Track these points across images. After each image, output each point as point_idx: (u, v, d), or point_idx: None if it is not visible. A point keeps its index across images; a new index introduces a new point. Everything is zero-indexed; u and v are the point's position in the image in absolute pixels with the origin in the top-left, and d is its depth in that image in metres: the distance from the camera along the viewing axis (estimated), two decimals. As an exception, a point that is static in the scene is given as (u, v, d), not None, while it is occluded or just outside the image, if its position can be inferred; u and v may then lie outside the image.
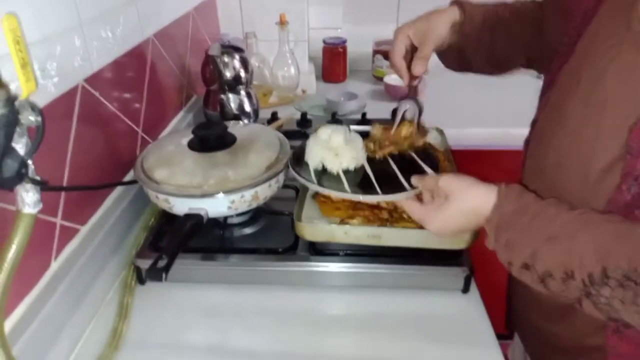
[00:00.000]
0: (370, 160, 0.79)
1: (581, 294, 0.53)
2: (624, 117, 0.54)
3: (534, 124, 0.74)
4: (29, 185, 0.53)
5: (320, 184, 0.74)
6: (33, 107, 0.51)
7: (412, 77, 0.80)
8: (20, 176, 0.50)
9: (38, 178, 0.55)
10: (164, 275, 0.62)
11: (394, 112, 0.87)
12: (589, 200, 0.57)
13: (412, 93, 0.83)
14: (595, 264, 0.50)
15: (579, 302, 0.54)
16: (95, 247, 0.77)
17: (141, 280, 0.80)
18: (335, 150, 0.78)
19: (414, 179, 0.70)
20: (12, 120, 0.48)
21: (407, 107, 0.82)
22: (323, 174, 0.77)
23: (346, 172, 0.77)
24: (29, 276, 0.63)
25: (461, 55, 0.83)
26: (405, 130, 0.81)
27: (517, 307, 0.83)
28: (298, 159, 0.81)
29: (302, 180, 0.76)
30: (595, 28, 0.64)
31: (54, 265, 0.68)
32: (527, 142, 0.75)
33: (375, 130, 0.84)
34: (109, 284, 0.79)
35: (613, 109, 0.56)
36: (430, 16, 0.79)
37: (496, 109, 1.42)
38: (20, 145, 0.51)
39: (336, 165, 0.77)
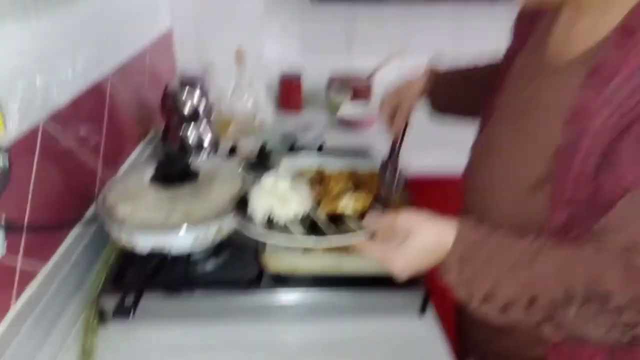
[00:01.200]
0: (317, 203, 0.79)
1: (542, 319, 0.56)
2: (545, 146, 0.61)
3: (470, 155, 0.82)
4: (-7, 230, 0.53)
5: (271, 232, 0.73)
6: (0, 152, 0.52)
7: (396, 134, 0.93)
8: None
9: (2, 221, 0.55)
10: (131, 313, 0.62)
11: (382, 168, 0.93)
12: (523, 223, 0.63)
13: (395, 153, 0.92)
14: (558, 287, 0.54)
15: (538, 326, 0.57)
16: (56, 288, 0.76)
17: (103, 320, 0.79)
18: (281, 198, 0.76)
19: (368, 219, 0.70)
20: (-21, 167, 0.49)
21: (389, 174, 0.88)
22: (271, 222, 0.76)
23: (295, 219, 0.75)
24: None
25: (439, 108, 0.99)
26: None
27: (466, 326, 0.88)
28: (240, 208, 0.78)
29: (252, 234, 0.73)
30: (519, 66, 0.74)
31: (13, 308, 0.67)
32: (465, 171, 0.83)
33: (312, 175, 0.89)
34: (70, 326, 0.78)
35: (536, 138, 0.64)
36: (406, 83, 0.98)
37: (440, 139, 1.51)
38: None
39: (284, 213, 0.75)
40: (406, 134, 0.95)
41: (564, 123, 0.59)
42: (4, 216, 0.55)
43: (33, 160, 0.72)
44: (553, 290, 0.54)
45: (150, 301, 0.78)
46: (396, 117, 0.95)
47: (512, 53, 0.78)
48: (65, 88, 0.83)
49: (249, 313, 0.81)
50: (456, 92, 0.94)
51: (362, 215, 0.74)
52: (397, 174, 0.82)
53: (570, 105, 0.59)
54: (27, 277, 0.70)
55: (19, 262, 0.68)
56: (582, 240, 0.57)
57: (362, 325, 0.81)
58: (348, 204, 0.77)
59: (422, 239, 0.62)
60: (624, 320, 0.52)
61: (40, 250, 0.75)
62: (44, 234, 0.75)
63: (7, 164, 0.51)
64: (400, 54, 1.83)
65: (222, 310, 0.81)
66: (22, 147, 0.69)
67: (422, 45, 1.84)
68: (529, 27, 0.75)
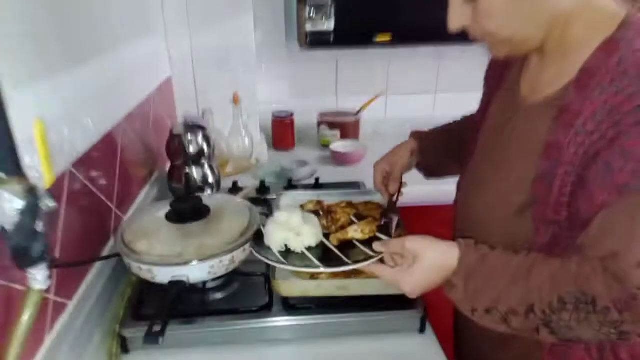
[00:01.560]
0: (326, 235, 0.87)
1: (539, 324, 0.64)
2: (524, 176, 0.70)
3: (459, 185, 0.91)
4: (41, 264, 0.60)
5: (287, 261, 0.80)
6: (49, 195, 0.59)
7: (391, 195, 1.00)
8: (43, 257, 0.57)
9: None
10: (160, 339, 0.68)
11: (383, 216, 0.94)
12: (512, 244, 0.72)
13: (391, 206, 0.98)
14: (552, 294, 0.62)
15: (536, 331, 0.65)
16: (83, 320, 0.81)
17: (125, 350, 0.84)
18: (295, 230, 0.85)
19: (378, 246, 0.77)
20: (36, 207, 0.56)
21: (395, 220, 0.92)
22: (287, 252, 0.84)
23: (308, 248, 0.84)
24: (25, 351, 0.67)
25: (430, 169, 1.07)
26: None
27: (465, 341, 0.95)
28: (257, 241, 0.87)
29: (272, 263, 0.81)
30: (496, 106, 0.84)
31: (48, 340, 0.72)
32: (456, 200, 0.92)
33: (313, 206, 0.97)
34: (95, 354, 0.83)
35: (517, 168, 0.73)
36: (395, 149, 1.04)
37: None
38: (39, 229, 0.58)
39: (299, 244, 0.83)
40: (401, 192, 1.02)
41: (539, 156, 0.68)
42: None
43: (62, 202, 0.79)
44: (548, 298, 0.63)
45: (167, 329, 0.83)
46: (390, 183, 1.01)
47: (488, 97, 0.88)
48: (86, 137, 0.91)
49: (262, 338, 0.87)
50: (443, 152, 1.02)
51: (369, 241, 0.82)
52: (395, 223, 0.89)
53: (543, 141, 0.68)
54: (59, 309, 0.76)
55: (52, 294, 0.74)
56: (567, 254, 0.65)
57: (367, 344, 0.88)
58: (357, 231, 0.85)
59: (429, 261, 0.70)
60: (611, 319, 0.60)
61: (68, 284, 0.81)
62: (69, 269, 0.81)
63: (54, 204, 0.59)
64: (384, 93, 1.97)
65: (236, 336, 0.87)
66: (54, 190, 0.76)
67: (404, 83, 1.98)
68: (502, 73, 0.86)
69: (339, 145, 1.72)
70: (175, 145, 1.24)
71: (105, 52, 1.03)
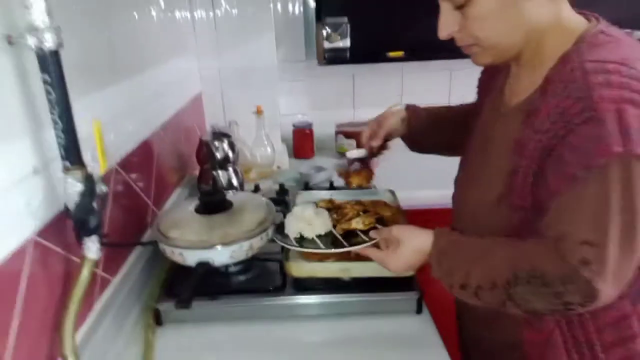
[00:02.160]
0: (334, 226, 1.03)
1: (504, 298, 0.74)
2: (501, 171, 0.81)
3: (455, 182, 1.02)
4: (94, 237, 0.74)
5: (301, 246, 0.98)
6: (102, 181, 0.74)
7: (372, 149, 1.11)
8: (97, 230, 0.72)
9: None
10: (189, 305, 0.82)
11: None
12: (494, 230, 0.82)
13: (369, 157, 1.11)
14: (508, 271, 0.73)
15: (504, 305, 0.75)
16: (125, 295, 0.96)
17: (159, 322, 0.98)
18: (308, 221, 1.01)
19: (373, 233, 0.94)
20: (93, 190, 0.71)
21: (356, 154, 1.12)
22: (302, 239, 1.00)
23: (319, 236, 1.00)
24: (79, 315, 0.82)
25: (415, 141, 1.15)
26: (357, 180, 1.08)
27: (464, 322, 1.04)
28: (279, 231, 1.04)
29: (291, 247, 0.98)
30: (485, 111, 0.95)
31: (95, 308, 0.87)
32: (453, 196, 1.03)
33: (325, 204, 1.11)
34: (135, 325, 0.97)
35: (496, 164, 0.83)
36: (387, 112, 1.13)
37: (440, 174, 1.72)
38: (94, 207, 0.72)
39: (311, 232, 1.00)
40: (382, 152, 1.14)
41: (511, 153, 0.79)
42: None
43: (109, 193, 0.95)
44: (505, 274, 0.73)
45: (195, 306, 0.97)
46: (374, 140, 1.10)
47: (481, 102, 1.00)
48: (128, 141, 1.07)
49: (275, 314, 1.00)
50: (430, 130, 1.12)
51: (367, 231, 0.97)
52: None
53: (514, 139, 0.79)
54: (104, 283, 0.91)
55: (100, 269, 0.88)
56: (533, 236, 0.76)
57: (368, 323, 0.98)
58: (358, 223, 1.00)
59: (409, 245, 0.85)
60: (556, 291, 0.70)
61: (113, 264, 0.95)
62: (114, 251, 0.96)
63: (107, 189, 0.73)
64: (399, 105, 2.08)
65: (254, 313, 1.00)
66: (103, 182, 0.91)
67: (417, 95, 2.09)
68: (492, 80, 0.97)
69: (355, 152, 1.84)
70: (204, 151, 1.39)
71: (146, 70, 1.20)
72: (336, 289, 1.01)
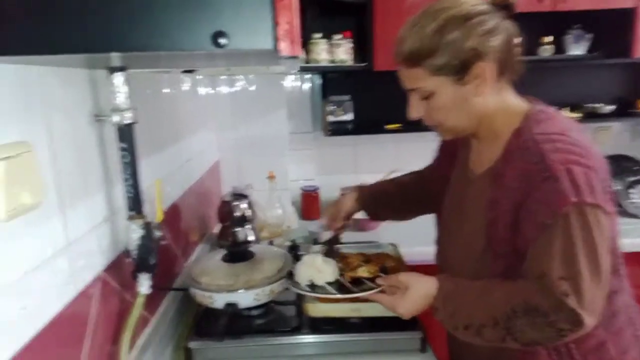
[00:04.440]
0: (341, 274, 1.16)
1: (504, 334, 0.85)
2: (479, 227, 0.95)
3: (436, 241, 1.17)
4: (147, 275, 0.89)
5: (313, 292, 1.09)
6: (158, 227, 0.90)
7: (336, 231, 1.29)
8: (154, 267, 0.87)
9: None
10: (224, 338, 0.95)
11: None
12: (477, 277, 0.94)
13: (334, 239, 1.29)
14: (507, 307, 0.85)
15: (504, 340, 0.86)
16: (162, 333, 1.08)
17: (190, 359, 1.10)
18: (318, 268, 1.14)
19: (380, 280, 1.04)
20: (151, 234, 0.87)
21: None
22: (312, 286, 1.12)
23: (328, 283, 1.11)
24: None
25: (370, 214, 1.32)
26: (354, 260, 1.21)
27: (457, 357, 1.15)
28: (291, 278, 1.16)
29: (304, 293, 1.11)
30: (453, 179, 1.11)
31: (139, 343, 0.99)
32: (435, 253, 1.17)
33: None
34: (169, 361, 1.09)
35: (474, 221, 0.98)
36: (342, 197, 1.31)
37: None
38: (152, 248, 0.88)
39: (321, 279, 1.11)
40: (343, 231, 1.30)
41: (486, 210, 0.94)
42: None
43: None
44: (504, 309, 0.85)
45: (223, 345, 1.09)
46: (335, 223, 1.27)
47: (444, 166, 1.15)
48: (166, 200, 1.24)
49: (294, 353, 1.11)
50: (380, 203, 1.28)
51: (372, 278, 1.09)
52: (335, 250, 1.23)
53: (486, 199, 0.94)
54: (145, 321, 1.04)
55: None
56: (517, 278, 0.89)
57: (377, 360, 1.10)
58: (364, 271, 1.13)
59: (416, 290, 0.95)
60: (549, 320, 0.82)
61: (152, 304, 1.09)
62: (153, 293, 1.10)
63: (161, 234, 0.89)
64: (396, 170, 2.29)
65: (274, 351, 1.12)
66: (149, 234, 1.07)
67: (413, 162, 2.30)
68: (455, 150, 1.12)
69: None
70: (225, 210, 1.55)
71: (180, 140, 1.40)
72: (346, 329, 1.13)
